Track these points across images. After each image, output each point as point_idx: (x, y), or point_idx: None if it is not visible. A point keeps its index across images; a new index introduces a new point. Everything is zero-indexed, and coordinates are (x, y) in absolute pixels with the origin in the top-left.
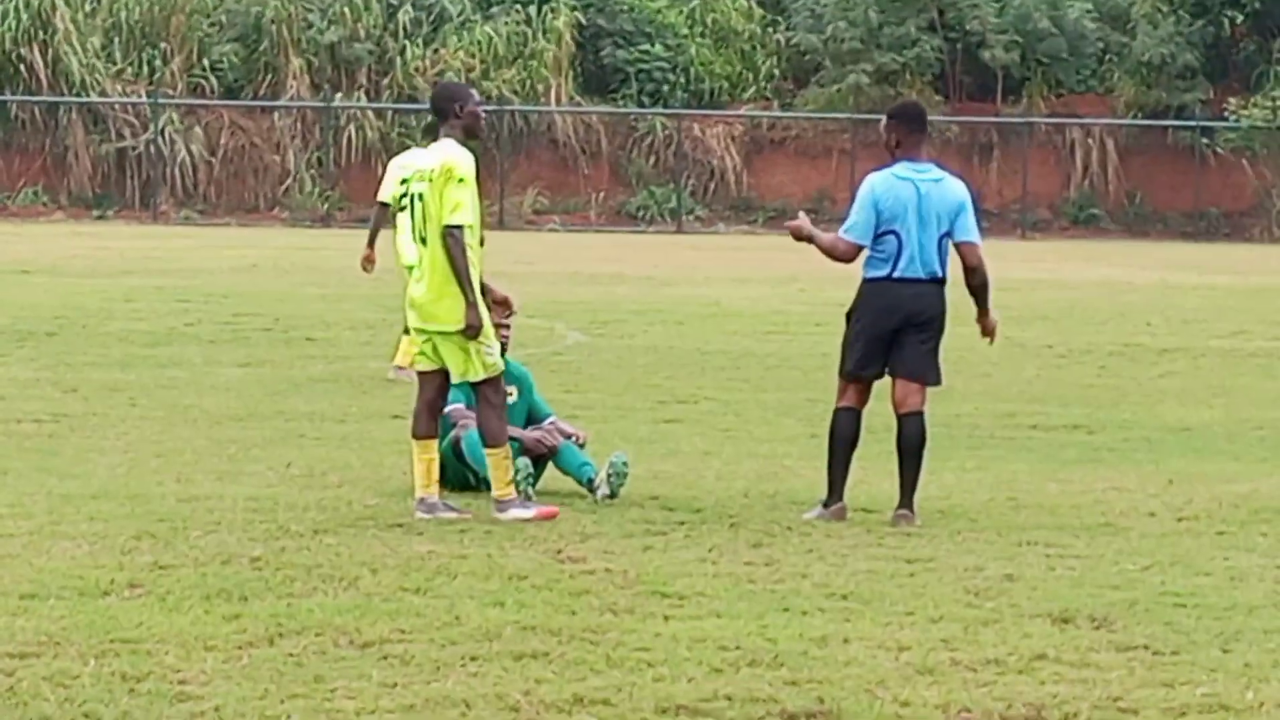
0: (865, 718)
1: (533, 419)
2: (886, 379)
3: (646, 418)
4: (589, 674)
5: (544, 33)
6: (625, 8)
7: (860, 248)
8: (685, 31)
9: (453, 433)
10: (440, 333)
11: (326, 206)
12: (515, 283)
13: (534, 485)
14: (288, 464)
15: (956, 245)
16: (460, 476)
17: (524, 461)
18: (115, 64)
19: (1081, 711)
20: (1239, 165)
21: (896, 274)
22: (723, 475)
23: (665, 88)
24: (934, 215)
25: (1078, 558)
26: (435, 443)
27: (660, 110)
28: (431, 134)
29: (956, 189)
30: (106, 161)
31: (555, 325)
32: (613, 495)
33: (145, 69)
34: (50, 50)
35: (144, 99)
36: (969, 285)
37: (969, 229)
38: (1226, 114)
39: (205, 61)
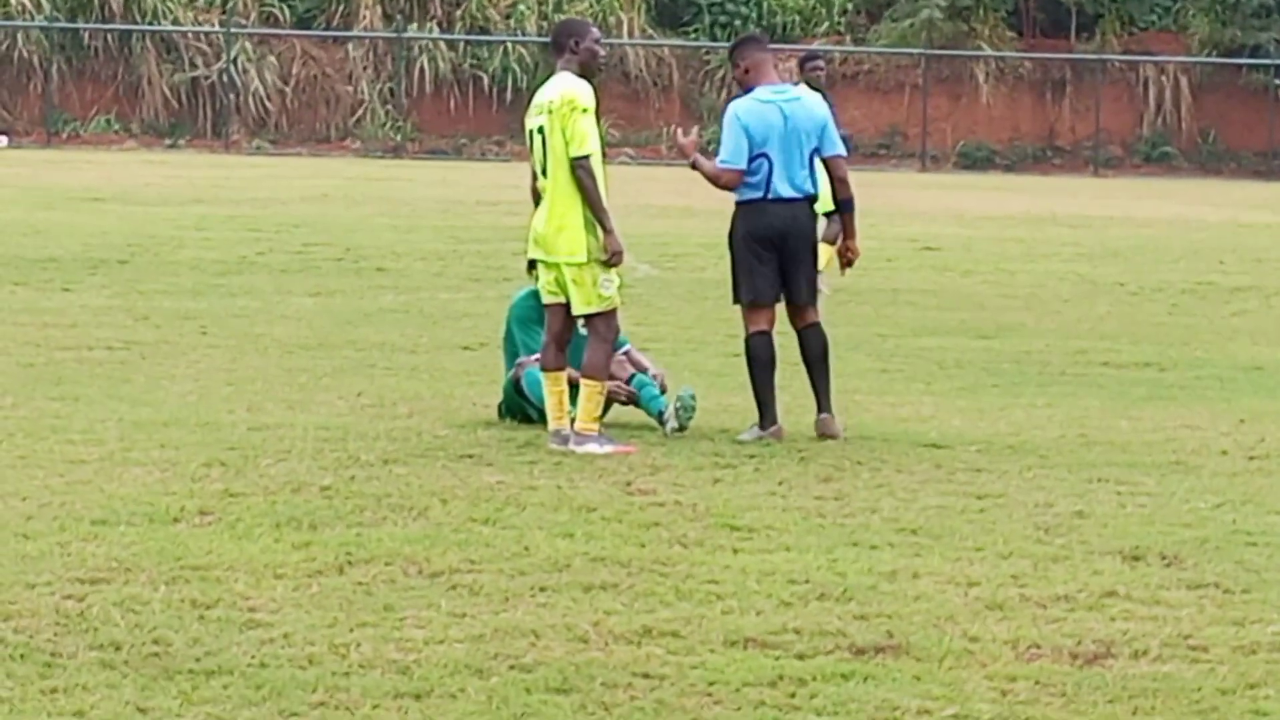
0: (934, 653)
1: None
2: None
3: (716, 351)
4: (658, 606)
5: None
6: None
7: (742, 173)
8: None
9: (512, 370)
10: (556, 264)
11: (399, 137)
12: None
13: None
14: (358, 393)
15: (824, 160)
16: (520, 410)
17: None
18: None
19: (1151, 649)
20: None
21: (770, 195)
22: (792, 409)
23: (738, 21)
24: (800, 134)
25: (1148, 495)
26: (564, 374)
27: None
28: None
29: (817, 105)
30: (179, 90)
31: (626, 258)
32: (681, 429)
33: None
34: None
35: (217, 28)
36: (836, 199)
37: (835, 142)
38: None
39: None
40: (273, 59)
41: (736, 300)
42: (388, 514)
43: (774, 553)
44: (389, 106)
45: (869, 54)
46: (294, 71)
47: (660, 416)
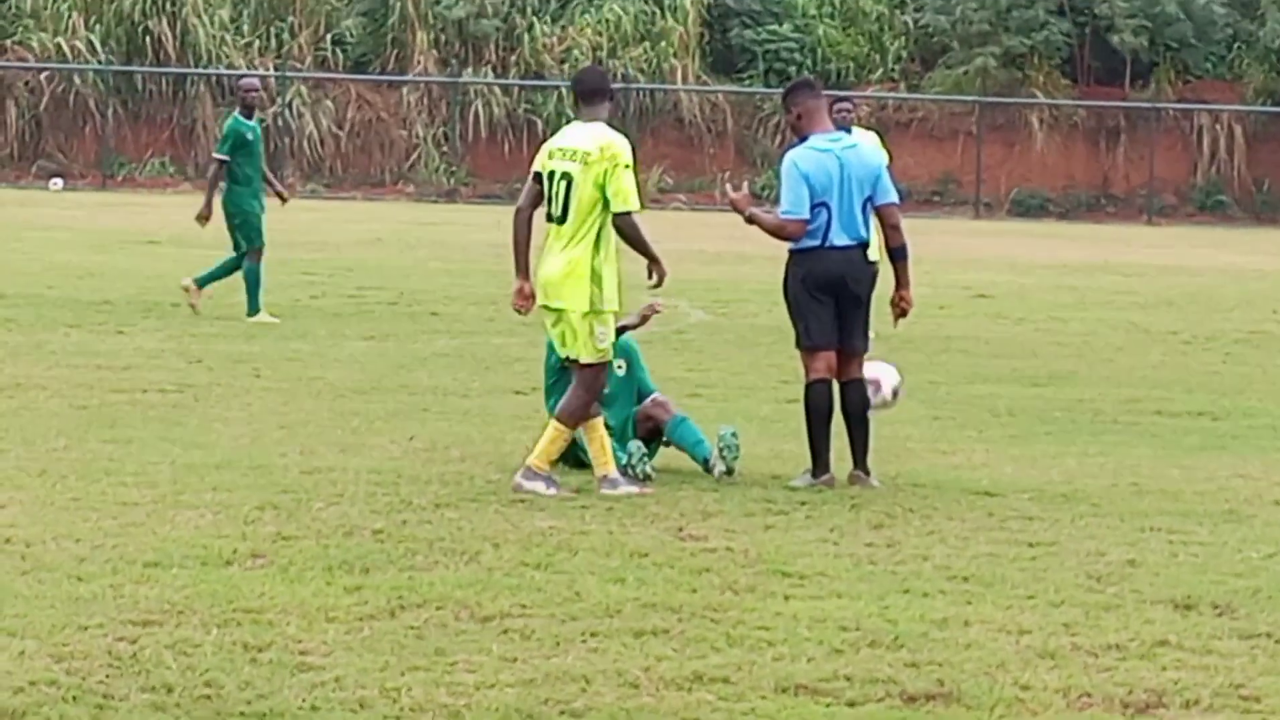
0: (985, 701)
1: (640, 395)
2: None
3: (769, 397)
4: (709, 652)
5: (672, 11)
6: None
7: (806, 223)
8: (813, 12)
9: None
10: (560, 310)
11: (452, 181)
12: (639, 261)
13: (649, 462)
14: (410, 437)
15: (878, 209)
16: (574, 455)
17: (636, 445)
18: (243, 36)
19: (1203, 698)
20: None
21: (827, 244)
22: (844, 456)
23: (792, 68)
24: (856, 182)
25: (1201, 544)
26: (601, 421)
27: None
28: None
29: (873, 153)
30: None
31: (679, 303)
32: (729, 471)
33: (273, 42)
34: (178, 22)
35: (272, 72)
36: (890, 247)
37: (889, 190)
38: None
39: (332, 35)
40: (328, 103)
41: (798, 345)
42: (439, 558)
43: (825, 599)
44: (443, 150)
45: (923, 101)
46: (348, 115)
47: (706, 463)
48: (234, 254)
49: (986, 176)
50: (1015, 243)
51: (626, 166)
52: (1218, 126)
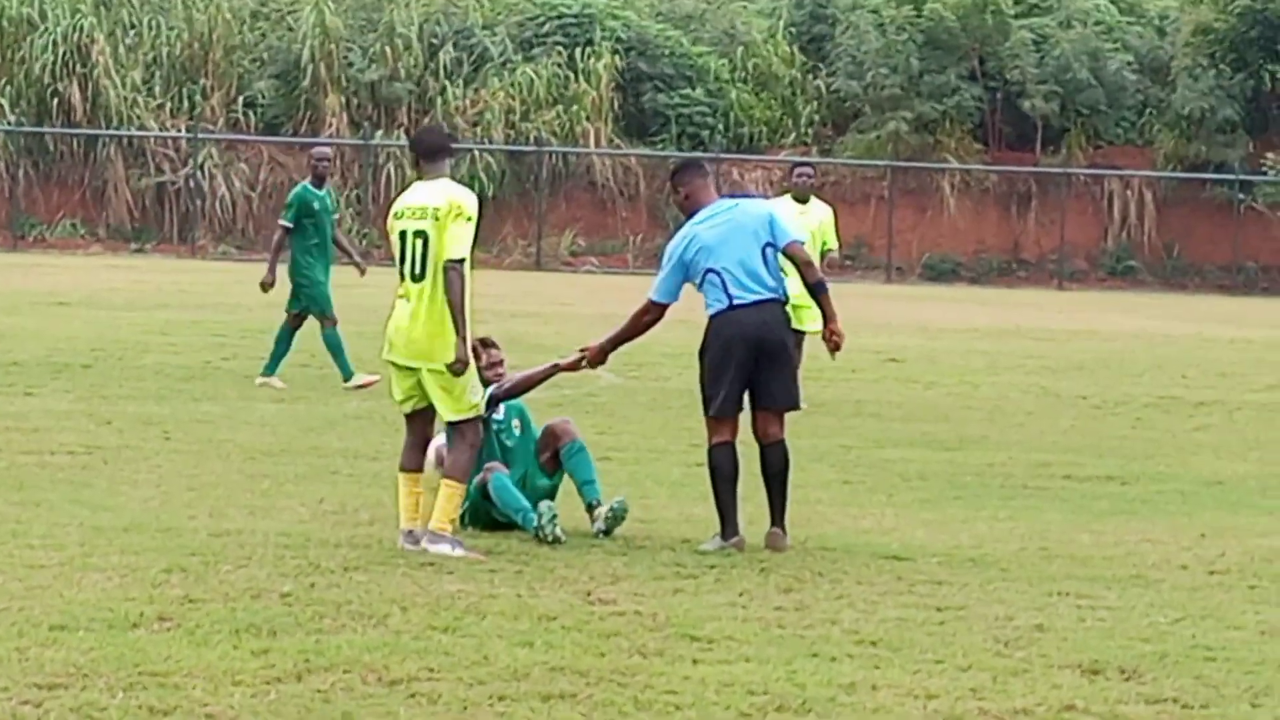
0: None
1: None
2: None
3: (679, 460)
4: (617, 716)
5: (585, 75)
6: (666, 52)
7: (660, 305)
8: (726, 76)
9: (479, 475)
10: (429, 370)
11: (364, 244)
12: (550, 323)
13: (558, 525)
14: (320, 500)
15: (785, 250)
16: (485, 515)
17: (547, 506)
18: (155, 98)
19: None
20: (1277, 220)
21: (735, 302)
22: (755, 519)
23: (705, 132)
24: (745, 233)
25: (1109, 609)
26: (420, 476)
27: (699, 155)
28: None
29: (758, 204)
30: (145, 195)
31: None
32: (607, 532)
33: (186, 104)
34: (90, 84)
35: (184, 133)
36: (807, 284)
37: (787, 232)
38: (1265, 168)
39: (245, 97)
40: (240, 164)
41: (706, 412)
42: (347, 621)
43: (734, 664)
44: (355, 213)
45: (835, 165)
46: (261, 177)
47: (589, 506)
48: (285, 326)
49: (898, 241)
50: (926, 307)
51: (468, 219)
52: (1128, 192)
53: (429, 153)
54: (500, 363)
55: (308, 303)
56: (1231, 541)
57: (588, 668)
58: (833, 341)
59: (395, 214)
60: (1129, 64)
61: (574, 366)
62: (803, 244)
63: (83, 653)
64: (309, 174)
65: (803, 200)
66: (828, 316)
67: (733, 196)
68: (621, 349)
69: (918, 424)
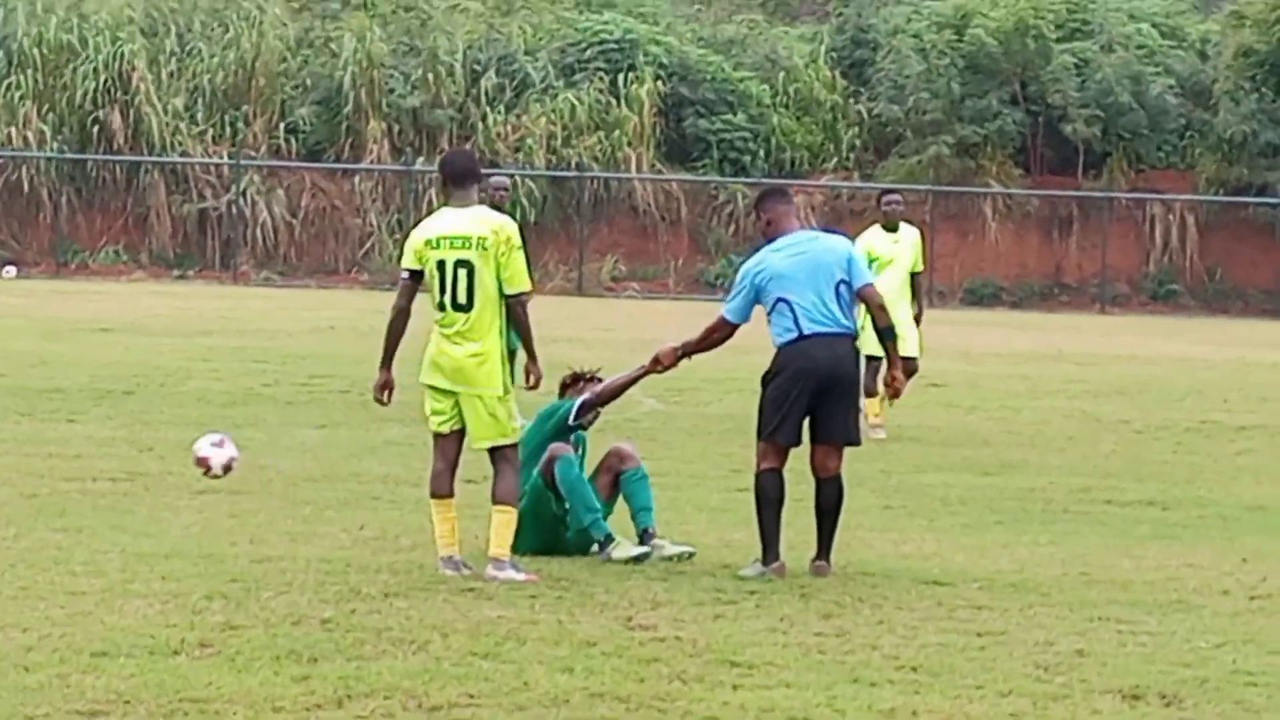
0: None
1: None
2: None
3: (720, 486)
4: None
5: (626, 101)
6: (708, 77)
7: (732, 324)
8: (767, 101)
9: (546, 454)
10: (473, 395)
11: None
12: (592, 348)
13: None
14: (361, 526)
15: (859, 292)
16: (536, 515)
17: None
18: (198, 125)
19: None
20: None
21: (805, 333)
22: (794, 545)
23: (746, 157)
24: (821, 268)
25: (1149, 634)
26: (454, 501)
27: (741, 180)
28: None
29: (838, 240)
30: (187, 222)
31: (631, 392)
32: (639, 559)
33: (228, 130)
34: (131, 111)
35: (226, 160)
36: (877, 328)
37: (864, 273)
38: None
39: (287, 124)
40: (281, 191)
41: (759, 435)
42: (388, 648)
43: (773, 689)
44: (397, 239)
45: (877, 190)
46: (302, 203)
47: (642, 533)
48: None
49: (939, 265)
50: (968, 331)
51: (519, 248)
52: (1170, 216)
53: (457, 177)
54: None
55: None
56: (1273, 566)
57: (628, 694)
58: (892, 388)
59: (429, 243)
60: (1171, 87)
61: (653, 369)
62: (875, 285)
63: (124, 679)
64: (487, 204)
65: (893, 229)
66: (890, 362)
67: (814, 229)
68: (664, 375)
69: (958, 449)
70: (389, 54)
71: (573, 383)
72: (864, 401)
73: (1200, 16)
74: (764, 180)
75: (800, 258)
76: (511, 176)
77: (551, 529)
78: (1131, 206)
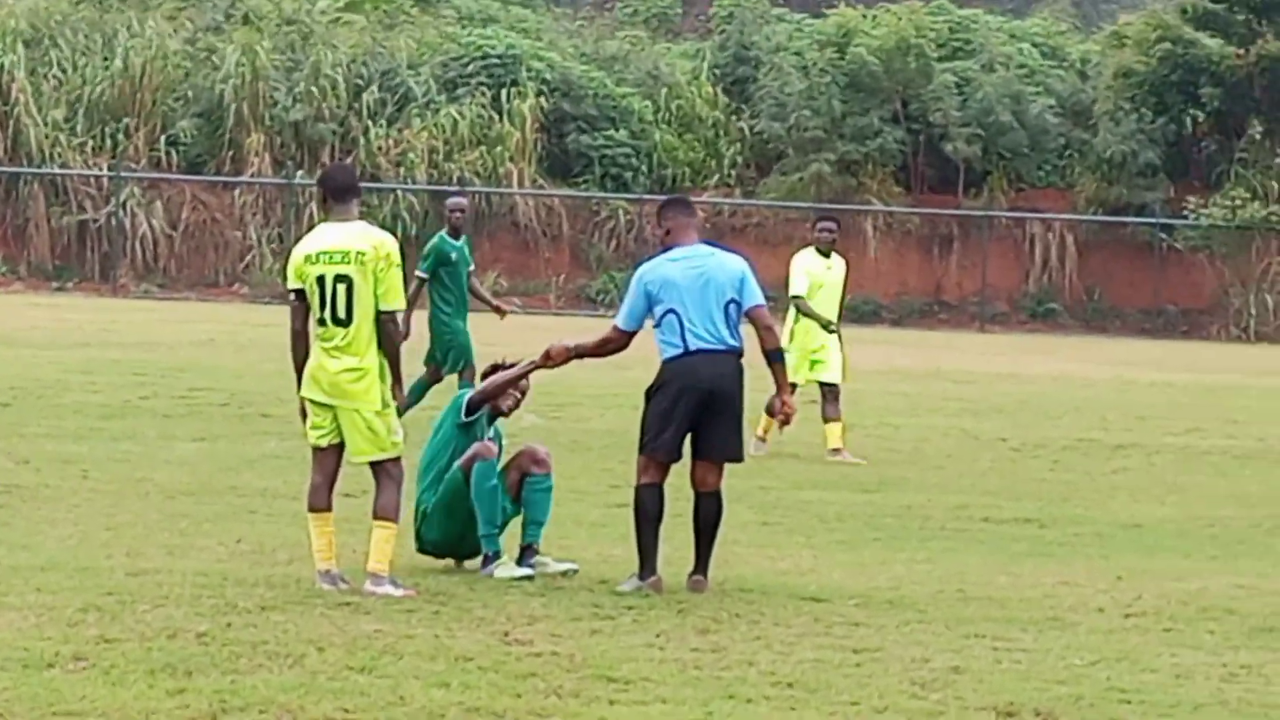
0: None
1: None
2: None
3: (599, 501)
4: None
5: (508, 116)
6: (590, 93)
7: (625, 332)
8: (649, 118)
9: (468, 452)
10: (350, 409)
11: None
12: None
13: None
14: (238, 540)
15: (748, 312)
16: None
17: (510, 564)
18: (78, 136)
19: None
20: (1198, 263)
21: (690, 348)
22: (672, 560)
23: (628, 173)
24: (713, 285)
25: (1025, 651)
26: (332, 515)
27: (623, 195)
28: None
29: (733, 259)
30: (67, 233)
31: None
32: (529, 579)
33: (108, 142)
34: (10, 122)
35: (106, 172)
36: (765, 349)
37: (756, 293)
38: (1186, 212)
39: (168, 136)
40: (161, 203)
41: (641, 449)
42: (263, 661)
43: (650, 705)
44: (277, 252)
45: (758, 207)
46: (183, 216)
47: (525, 548)
48: (422, 379)
49: None
50: (848, 349)
51: (397, 265)
52: (1050, 235)
53: (337, 192)
54: (524, 393)
55: (450, 354)
56: (1148, 584)
57: (504, 709)
58: (784, 414)
59: (308, 258)
60: (1051, 107)
61: (544, 364)
62: (765, 307)
63: None
64: (445, 224)
65: (826, 254)
66: (779, 387)
67: (711, 244)
68: (545, 390)
69: (837, 466)
70: (273, 67)
71: (491, 371)
72: (828, 427)
73: (1080, 37)
74: (646, 196)
75: (694, 271)
76: (470, 196)
77: (462, 524)
78: (1011, 225)
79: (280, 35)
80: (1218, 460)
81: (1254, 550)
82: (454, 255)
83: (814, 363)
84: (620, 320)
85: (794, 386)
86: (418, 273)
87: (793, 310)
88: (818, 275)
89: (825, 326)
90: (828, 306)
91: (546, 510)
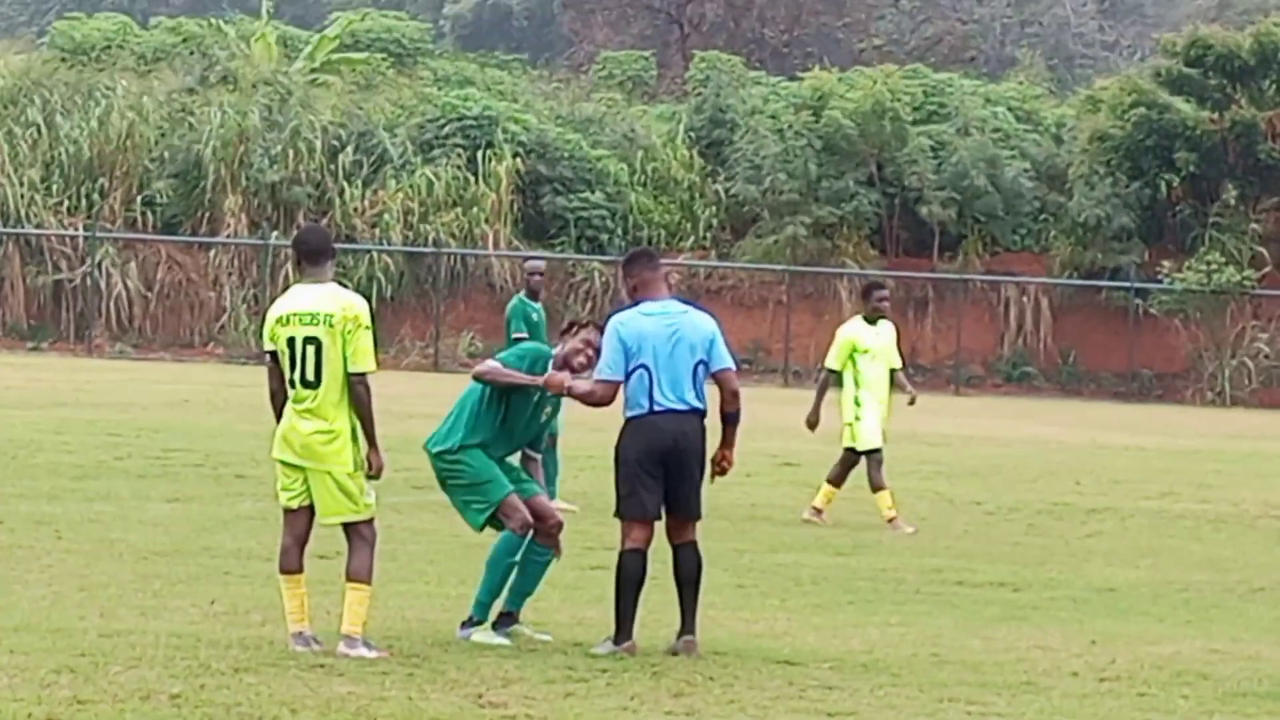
0: None
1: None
2: None
3: (572, 564)
4: None
5: (484, 177)
6: (566, 155)
7: (616, 384)
8: (625, 180)
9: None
10: (321, 471)
11: (261, 343)
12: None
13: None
14: (212, 601)
15: (715, 375)
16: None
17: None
18: (54, 196)
19: None
20: (1172, 327)
21: (656, 408)
22: (646, 623)
23: (604, 235)
24: (684, 345)
25: (999, 715)
26: (303, 577)
27: (598, 257)
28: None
29: (704, 319)
30: (42, 293)
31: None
32: (508, 641)
33: (84, 202)
34: None
35: (81, 232)
36: (724, 411)
37: (724, 357)
38: (1161, 276)
39: (143, 197)
40: (136, 264)
41: (618, 514)
42: None
43: None
44: (253, 312)
45: (734, 269)
46: (158, 276)
47: (509, 615)
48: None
49: (795, 345)
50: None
51: (366, 328)
52: (1024, 298)
53: (311, 254)
54: (598, 350)
55: None
56: (1122, 649)
57: None
58: (720, 466)
59: (280, 320)
60: (1026, 171)
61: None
62: (733, 371)
63: None
64: (523, 287)
65: (873, 322)
66: (725, 442)
67: (682, 301)
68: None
69: (812, 528)
70: (251, 129)
71: (568, 330)
72: (877, 496)
73: (1055, 101)
74: (621, 258)
75: (668, 329)
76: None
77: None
78: (986, 288)
79: (258, 97)
80: (1191, 524)
81: (1227, 615)
82: (534, 316)
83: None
84: (603, 373)
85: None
86: (515, 335)
87: (850, 379)
88: (865, 342)
89: (856, 401)
90: (879, 373)
91: (537, 583)
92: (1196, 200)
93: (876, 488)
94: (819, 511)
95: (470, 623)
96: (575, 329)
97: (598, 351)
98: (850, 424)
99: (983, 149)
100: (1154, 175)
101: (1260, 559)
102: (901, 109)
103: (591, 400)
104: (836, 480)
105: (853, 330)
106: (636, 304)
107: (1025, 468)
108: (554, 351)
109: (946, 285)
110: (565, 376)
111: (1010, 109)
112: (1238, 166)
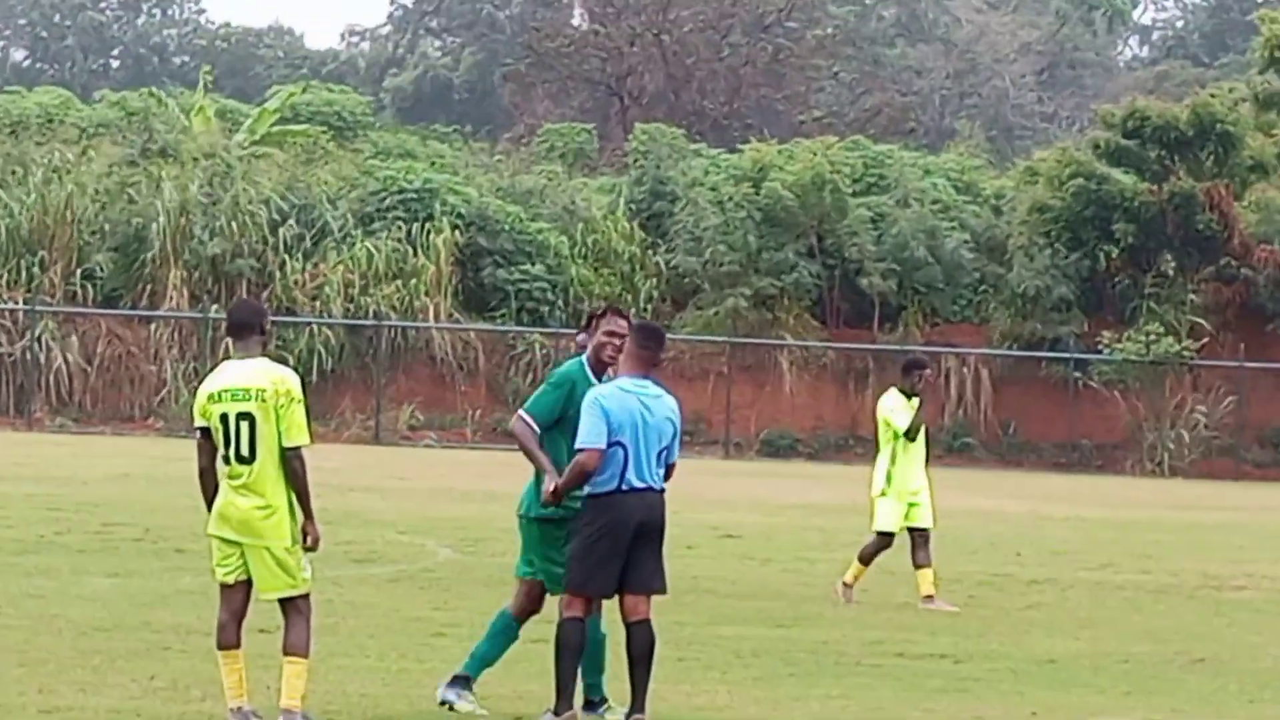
0: None
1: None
2: None
3: None
4: None
5: (424, 250)
6: (506, 227)
7: (599, 451)
8: (566, 252)
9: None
10: (260, 546)
11: None
12: (389, 498)
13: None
14: (151, 676)
15: (666, 463)
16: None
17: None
18: None
19: None
20: (1112, 398)
21: (625, 485)
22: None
23: (544, 307)
24: (654, 431)
25: None
26: (242, 653)
27: (538, 329)
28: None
29: (673, 409)
30: None
31: (426, 541)
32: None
33: (23, 275)
34: None
35: (21, 305)
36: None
37: (676, 450)
38: (1100, 346)
39: (83, 270)
40: (76, 337)
41: (567, 587)
42: None
43: None
44: (194, 386)
45: (674, 341)
46: (98, 350)
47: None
48: None
49: (736, 416)
50: (764, 483)
51: (299, 401)
52: (965, 369)
53: (238, 328)
54: (624, 336)
55: None
56: None
57: None
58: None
59: (211, 397)
60: (966, 242)
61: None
62: (675, 467)
63: None
64: (590, 359)
65: (909, 396)
66: None
67: (656, 382)
68: (460, 524)
69: (753, 600)
70: (193, 204)
71: (588, 324)
72: (919, 574)
73: (995, 172)
74: (562, 330)
75: (647, 411)
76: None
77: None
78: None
79: (199, 169)
80: (1131, 595)
81: (1167, 686)
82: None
83: (910, 505)
84: (586, 442)
85: (891, 536)
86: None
87: (886, 454)
88: (902, 420)
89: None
90: (916, 448)
91: (500, 654)
92: (1136, 271)
93: (920, 565)
94: (930, 598)
95: (454, 683)
96: (594, 321)
97: (623, 338)
98: (874, 498)
99: (922, 220)
100: (1093, 246)
101: (1199, 630)
102: (841, 180)
103: (585, 475)
104: (923, 563)
105: (891, 403)
106: (601, 364)
107: (966, 539)
108: (585, 353)
109: (887, 356)
110: (550, 484)
111: (950, 180)
112: (1176, 237)
